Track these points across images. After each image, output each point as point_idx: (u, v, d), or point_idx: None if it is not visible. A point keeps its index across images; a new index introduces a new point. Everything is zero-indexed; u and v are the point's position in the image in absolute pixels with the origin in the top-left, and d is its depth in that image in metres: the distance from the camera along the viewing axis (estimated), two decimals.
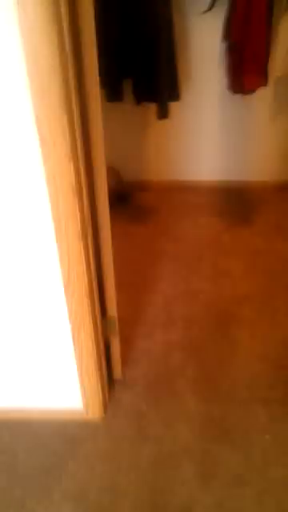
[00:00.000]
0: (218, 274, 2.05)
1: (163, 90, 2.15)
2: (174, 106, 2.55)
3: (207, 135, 2.70)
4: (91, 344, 1.21)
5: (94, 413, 1.36)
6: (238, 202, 2.68)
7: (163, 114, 2.22)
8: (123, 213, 2.60)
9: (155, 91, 2.16)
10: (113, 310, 1.34)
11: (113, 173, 2.72)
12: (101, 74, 2.23)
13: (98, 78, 1.02)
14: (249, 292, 1.94)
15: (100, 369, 1.30)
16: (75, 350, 1.21)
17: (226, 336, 1.71)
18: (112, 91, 2.25)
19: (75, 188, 0.97)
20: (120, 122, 2.66)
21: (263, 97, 2.47)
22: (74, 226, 1.01)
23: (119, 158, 2.80)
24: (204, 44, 2.43)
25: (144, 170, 2.86)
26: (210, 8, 2.27)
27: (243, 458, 1.30)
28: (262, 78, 2.17)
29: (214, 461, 1.30)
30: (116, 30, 2.07)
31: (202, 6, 2.26)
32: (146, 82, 2.17)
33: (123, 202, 2.67)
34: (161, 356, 1.62)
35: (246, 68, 2.13)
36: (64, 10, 0.83)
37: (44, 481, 1.23)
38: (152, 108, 2.30)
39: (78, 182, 0.98)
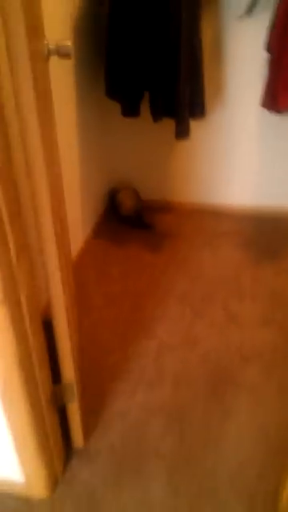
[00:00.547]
0: (228, 321, 1.77)
1: (183, 105, 1.89)
2: (202, 122, 2.30)
3: (239, 154, 2.40)
4: (27, 416, 1.02)
5: (38, 490, 1.17)
6: (269, 233, 2.36)
7: (182, 133, 1.96)
8: (137, 236, 2.39)
9: (173, 107, 1.92)
10: (69, 376, 1.13)
11: (132, 194, 2.51)
12: (116, 85, 2.05)
13: None
14: (259, 348, 1.64)
15: (43, 442, 1.10)
16: (8, 420, 1.03)
17: (221, 404, 1.43)
18: (127, 105, 2.04)
19: None
20: (142, 137, 2.45)
21: None
22: None
23: (139, 175, 2.59)
24: (240, 53, 2.15)
25: (166, 190, 2.62)
26: (249, 12, 1.99)
27: None
28: None
29: None
30: (132, 34, 1.85)
31: (239, 9, 1.99)
32: (164, 97, 1.93)
33: (141, 226, 2.45)
34: (137, 423, 1.38)
35: (281, 85, 1.83)
36: None
37: None
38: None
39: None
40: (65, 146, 1.93)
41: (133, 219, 2.47)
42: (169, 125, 2.05)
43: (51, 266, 0.96)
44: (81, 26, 1.92)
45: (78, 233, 2.23)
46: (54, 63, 1.77)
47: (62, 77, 1.83)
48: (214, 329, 1.74)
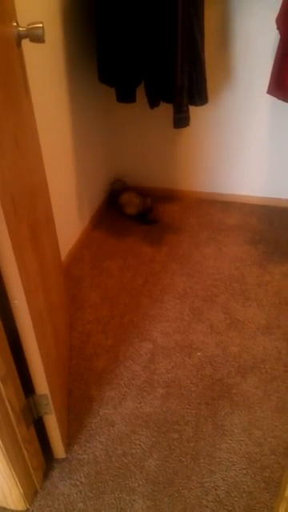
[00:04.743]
0: (229, 326, 1.67)
1: (180, 91, 1.72)
2: (210, 108, 2.14)
3: (249, 142, 2.25)
4: None
5: (14, 502, 1.11)
6: (279, 229, 2.22)
7: (180, 121, 1.80)
8: (138, 229, 2.26)
9: (170, 93, 1.75)
10: (42, 388, 1.05)
11: (135, 196, 2.36)
12: (107, 69, 1.84)
13: None
14: (261, 358, 1.54)
15: (16, 456, 1.02)
16: None
17: (213, 419, 1.34)
18: (121, 90, 1.88)
19: None
20: (145, 124, 2.30)
21: None
22: None
23: (144, 163, 2.45)
24: (251, 33, 1.96)
25: (173, 178, 2.48)
26: None
27: None
28: None
29: None
30: (122, 13, 1.67)
31: None
32: (160, 82, 1.76)
33: (145, 222, 2.33)
34: (123, 434, 1.30)
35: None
36: None
37: None
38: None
39: None
40: (60, 134, 1.80)
41: (137, 217, 2.35)
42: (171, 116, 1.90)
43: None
44: (69, 7, 1.74)
45: (76, 223, 2.11)
46: (43, 47, 1.61)
47: (53, 62, 1.67)
48: (213, 334, 1.63)
